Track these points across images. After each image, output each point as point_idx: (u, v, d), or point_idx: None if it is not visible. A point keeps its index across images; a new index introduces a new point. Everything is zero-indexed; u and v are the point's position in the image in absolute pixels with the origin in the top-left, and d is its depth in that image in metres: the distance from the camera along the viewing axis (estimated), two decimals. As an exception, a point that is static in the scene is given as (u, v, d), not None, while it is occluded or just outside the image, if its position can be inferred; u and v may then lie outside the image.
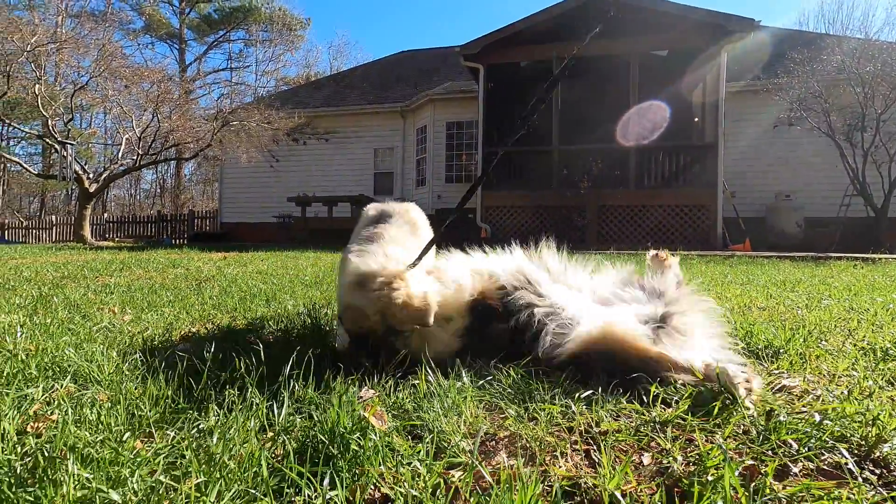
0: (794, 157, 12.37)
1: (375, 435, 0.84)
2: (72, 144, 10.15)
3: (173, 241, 15.80)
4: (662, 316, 1.21)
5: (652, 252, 1.72)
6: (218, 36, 31.47)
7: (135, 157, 10.93)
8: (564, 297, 1.37)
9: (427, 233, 1.84)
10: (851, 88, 9.71)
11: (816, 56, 10.43)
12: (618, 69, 11.62)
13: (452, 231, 8.77)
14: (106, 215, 21.81)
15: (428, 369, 1.21)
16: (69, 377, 1.17)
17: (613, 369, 1.12)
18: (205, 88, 29.78)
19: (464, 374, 1.18)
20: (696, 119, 11.94)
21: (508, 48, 11.82)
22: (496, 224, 11.80)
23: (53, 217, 20.68)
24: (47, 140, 10.25)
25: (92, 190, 10.97)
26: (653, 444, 0.88)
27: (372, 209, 1.71)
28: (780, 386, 1.18)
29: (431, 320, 1.27)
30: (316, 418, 0.89)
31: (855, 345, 1.57)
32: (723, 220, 10.35)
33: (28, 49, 8.56)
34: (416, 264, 1.39)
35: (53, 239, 18.91)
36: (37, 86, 9.56)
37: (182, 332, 1.83)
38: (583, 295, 1.46)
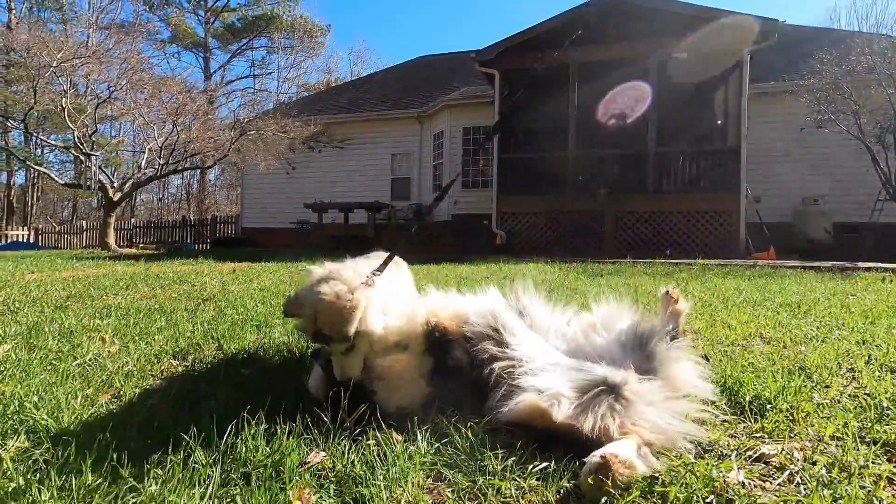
0: (822, 160, 11.90)
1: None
2: (95, 156, 10.51)
3: (195, 247, 16.18)
4: (616, 384, 1.13)
5: (664, 289, 1.62)
6: (241, 44, 32.19)
7: (157, 166, 11.24)
8: (530, 349, 1.31)
9: (406, 271, 1.81)
10: (883, 89, 9.27)
11: (845, 56, 10.01)
12: (636, 72, 11.38)
13: (469, 238, 8.76)
14: (133, 220, 22.52)
15: (390, 423, 1.17)
16: (24, 431, 1.17)
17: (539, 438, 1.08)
18: (227, 97, 30.51)
19: (419, 436, 1.14)
20: (719, 122, 11.60)
21: (524, 53, 11.71)
22: (511, 230, 11.69)
23: (84, 223, 21.44)
24: (72, 151, 10.63)
25: (116, 198, 11.32)
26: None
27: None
28: (758, 454, 1.09)
29: (351, 329, 1.23)
30: (239, 501, 0.86)
31: (854, 396, 1.46)
32: (746, 226, 10.02)
33: (55, 64, 8.92)
34: (375, 274, 1.38)
35: (84, 244, 19.61)
36: (64, 99, 9.92)
37: (163, 367, 1.84)
38: (551, 346, 1.39)
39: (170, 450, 1.08)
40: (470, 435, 1.14)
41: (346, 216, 12.84)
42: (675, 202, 10.42)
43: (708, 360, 1.63)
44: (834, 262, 7.73)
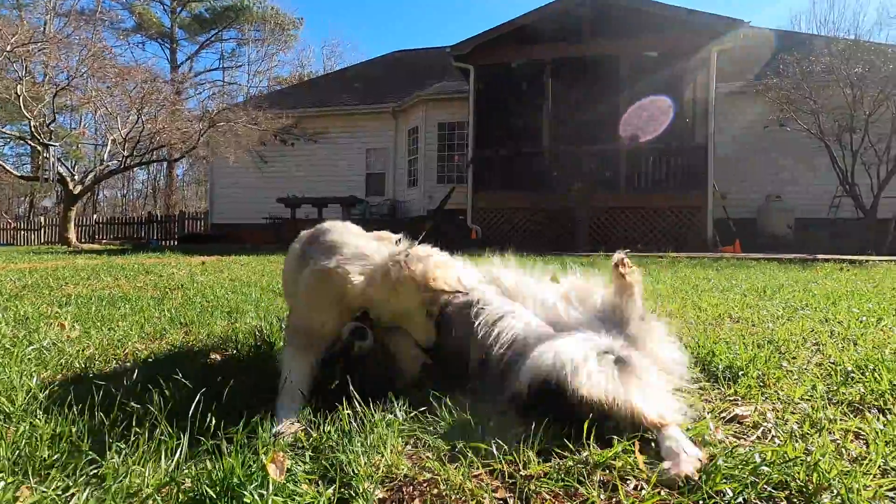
0: (785, 158, 12.36)
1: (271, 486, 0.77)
2: (54, 146, 10.01)
3: (161, 244, 15.64)
4: (621, 355, 1.10)
5: (617, 256, 1.49)
6: (210, 35, 31.27)
7: (121, 159, 10.79)
8: (513, 307, 1.31)
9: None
10: (840, 90, 9.69)
11: (806, 57, 10.42)
12: (609, 70, 11.57)
13: (445, 233, 8.71)
14: (95, 216, 21.62)
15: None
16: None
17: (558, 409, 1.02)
18: (196, 88, 29.62)
19: (397, 408, 1.11)
20: (688, 120, 11.91)
21: (499, 48, 11.75)
22: (487, 225, 11.73)
23: (42, 218, 20.46)
24: (29, 142, 10.10)
25: (76, 192, 10.82)
26: (579, 492, 0.81)
27: (302, 235, 1.59)
28: (732, 415, 1.11)
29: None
30: (208, 467, 0.82)
31: (820, 364, 1.51)
32: (713, 221, 10.33)
33: (8, 48, 8.44)
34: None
35: (42, 241, 18.71)
36: (18, 86, 9.41)
37: (127, 350, 1.75)
38: (530, 311, 1.38)
39: (134, 424, 1.02)
40: (450, 402, 1.13)
41: (319, 211, 12.63)
42: (646, 198, 10.65)
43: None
44: (795, 255, 8.05)
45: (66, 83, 9.45)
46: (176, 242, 17.79)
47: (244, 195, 16.37)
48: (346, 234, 1.44)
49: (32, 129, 9.93)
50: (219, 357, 1.68)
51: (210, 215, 17.60)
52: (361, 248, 1.34)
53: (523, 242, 11.07)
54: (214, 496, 0.75)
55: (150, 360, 1.64)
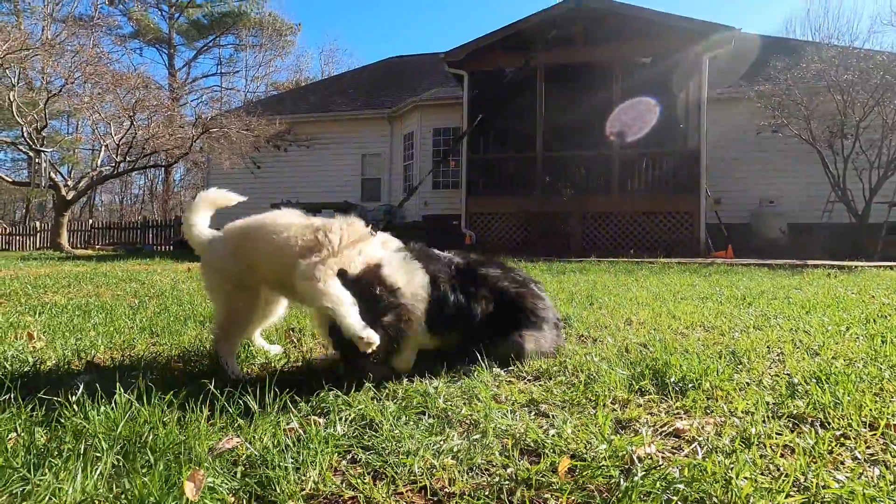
0: (778, 163, 12.41)
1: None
2: (45, 152, 10.01)
3: (155, 249, 15.61)
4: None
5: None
6: (208, 41, 31.38)
7: (114, 164, 10.78)
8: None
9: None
10: (832, 96, 9.74)
11: (797, 63, 10.49)
12: (602, 76, 11.63)
13: (439, 238, 8.66)
14: (92, 221, 21.61)
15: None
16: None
17: None
18: (193, 94, 29.68)
19: (338, 421, 1.11)
20: (681, 126, 11.95)
21: (492, 55, 11.80)
22: (481, 231, 11.74)
23: (38, 223, 20.43)
24: (20, 147, 10.10)
25: (69, 197, 10.81)
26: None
27: None
28: (672, 429, 1.11)
29: None
30: (126, 485, 0.82)
31: (776, 376, 1.51)
32: (706, 226, 10.35)
33: (1, 55, 8.45)
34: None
35: (37, 245, 18.68)
36: (11, 93, 9.42)
37: (88, 360, 1.75)
38: None
39: (68, 438, 1.02)
40: (391, 413, 1.13)
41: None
42: (638, 202, 10.67)
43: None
44: (786, 260, 8.07)
45: (59, 89, 9.46)
46: (171, 248, 17.78)
47: (238, 202, 16.34)
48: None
49: (25, 135, 9.94)
50: (180, 367, 1.68)
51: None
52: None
53: (516, 247, 11.09)
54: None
55: (107, 371, 1.64)
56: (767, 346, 1.88)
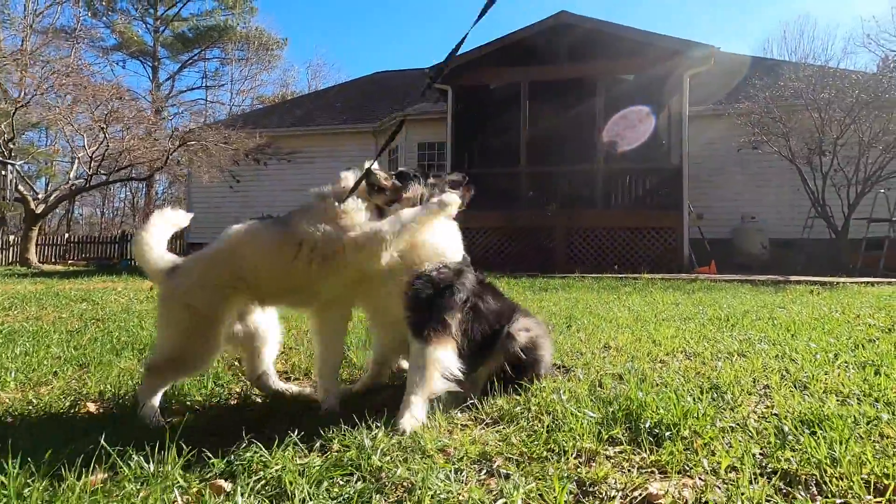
0: (759, 179, 12.53)
1: None
2: (11, 164, 9.66)
3: (132, 263, 15.13)
4: None
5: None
6: (193, 54, 31.16)
7: (86, 177, 10.45)
8: None
9: None
10: (809, 114, 9.87)
11: (776, 82, 10.64)
12: (585, 92, 11.68)
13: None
14: (68, 235, 21.03)
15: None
16: None
17: None
18: (175, 107, 29.32)
19: (241, 495, 0.92)
20: (664, 142, 12.03)
21: (477, 70, 11.79)
22: (464, 245, 11.56)
23: (11, 237, 19.80)
24: (-12, 159, 9.76)
25: (39, 211, 10.42)
26: None
27: None
28: (645, 494, 0.94)
29: None
30: None
31: (763, 416, 1.35)
32: (689, 242, 10.33)
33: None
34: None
35: (9, 260, 18.05)
36: (-23, 104, 9.11)
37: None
38: None
39: None
40: (314, 473, 0.94)
41: (295, 231, 12.38)
42: (622, 218, 10.64)
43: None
44: (769, 276, 8.04)
45: (27, 100, 9.16)
46: (149, 262, 17.30)
47: (221, 214, 16.05)
48: None
49: (-6, 146, 9.62)
50: (92, 409, 1.47)
51: (186, 234, 17.23)
52: None
53: (501, 262, 10.93)
54: None
55: (7, 415, 1.42)
56: (753, 378, 1.73)
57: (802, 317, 3.40)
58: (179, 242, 18.67)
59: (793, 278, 7.57)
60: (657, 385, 1.58)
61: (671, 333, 2.63)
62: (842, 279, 7.34)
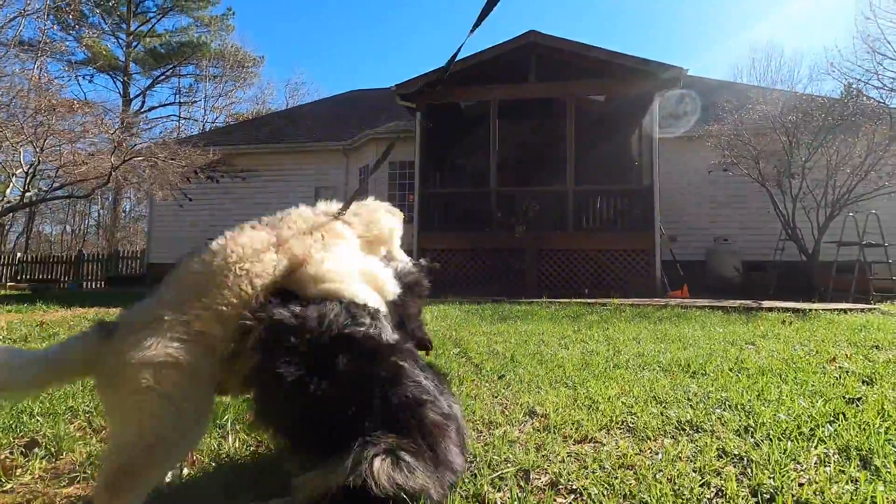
0: (730, 201, 12.46)
1: None
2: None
3: (83, 286, 14.27)
4: None
5: None
6: (165, 70, 30.52)
7: (21, 194, 9.73)
8: None
9: None
10: (778, 136, 9.80)
11: (744, 105, 10.60)
12: (555, 112, 11.50)
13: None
14: (20, 255, 19.94)
15: None
16: None
17: None
18: (147, 123, 28.54)
19: None
20: (636, 163, 11.87)
21: (446, 88, 11.52)
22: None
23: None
24: None
25: (-31, 231, 9.63)
26: None
27: None
28: None
29: None
30: None
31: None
32: (661, 264, 10.06)
33: None
34: None
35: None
36: None
37: None
38: None
39: None
40: None
41: (255, 252, 11.77)
42: (593, 240, 10.33)
43: None
44: (741, 301, 7.77)
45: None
46: (102, 284, 16.41)
47: (184, 233, 15.34)
48: None
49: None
50: None
51: (147, 255, 16.42)
52: None
53: (469, 285, 10.48)
54: None
55: None
56: (701, 480, 1.28)
57: (772, 360, 3.00)
58: (139, 263, 17.83)
59: (765, 304, 7.29)
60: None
61: (616, 391, 2.18)
62: (814, 305, 7.08)
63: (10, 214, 14.25)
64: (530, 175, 12.20)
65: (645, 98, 10.54)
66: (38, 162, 9.14)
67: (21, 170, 9.59)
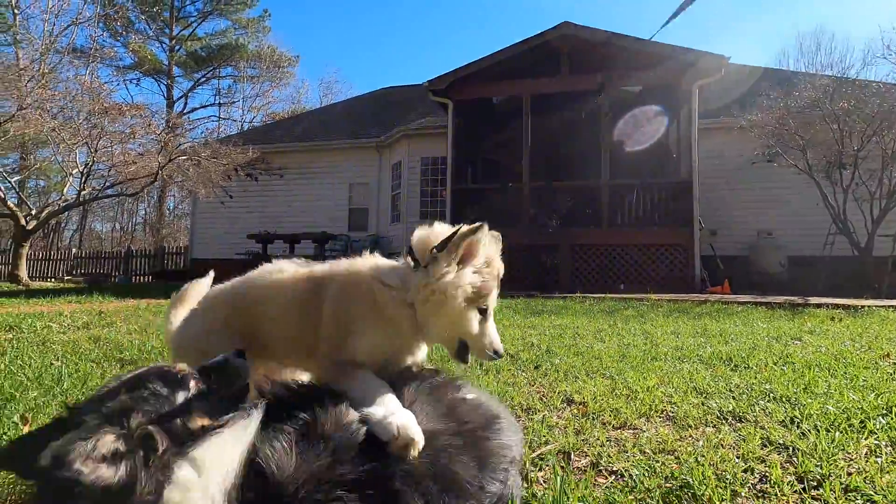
0: (775, 194, 11.92)
1: None
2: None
3: (134, 280, 15.05)
4: None
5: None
6: (206, 72, 31.67)
7: (76, 193, 10.35)
8: None
9: None
10: (827, 125, 9.31)
11: (790, 93, 10.12)
12: (589, 105, 11.30)
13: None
14: (75, 251, 21.18)
15: None
16: None
17: None
18: (190, 124, 29.73)
19: None
20: (674, 155, 11.53)
21: (477, 84, 11.50)
22: (464, 263, 11.16)
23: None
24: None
25: (30, 227, 10.33)
26: None
27: None
28: None
29: None
30: None
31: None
32: (701, 259, 9.76)
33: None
34: None
35: (2, 277, 18.18)
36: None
37: None
38: None
39: None
40: None
41: (291, 247, 12.14)
42: (629, 235, 10.13)
43: None
44: (786, 298, 7.44)
45: (11, 115, 9.10)
46: (150, 278, 17.25)
47: (224, 229, 15.94)
48: None
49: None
50: None
51: (191, 250, 17.14)
52: None
53: (502, 281, 10.48)
54: None
55: None
56: (747, 467, 1.28)
57: (820, 355, 2.90)
58: (184, 258, 18.63)
59: (812, 300, 6.96)
60: (602, 487, 1.13)
61: (655, 382, 2.17)
62: (866, 301, 6.73)
63: (66, 213, 15.13)
64: (563, 169, 12.03)
65: (683, 88, 10.21)
66: (92, 162, 9.73)
67: (77, 170, 10.24)
